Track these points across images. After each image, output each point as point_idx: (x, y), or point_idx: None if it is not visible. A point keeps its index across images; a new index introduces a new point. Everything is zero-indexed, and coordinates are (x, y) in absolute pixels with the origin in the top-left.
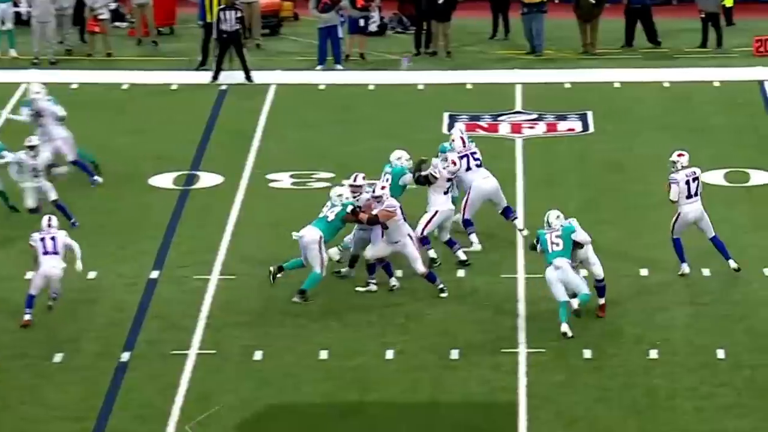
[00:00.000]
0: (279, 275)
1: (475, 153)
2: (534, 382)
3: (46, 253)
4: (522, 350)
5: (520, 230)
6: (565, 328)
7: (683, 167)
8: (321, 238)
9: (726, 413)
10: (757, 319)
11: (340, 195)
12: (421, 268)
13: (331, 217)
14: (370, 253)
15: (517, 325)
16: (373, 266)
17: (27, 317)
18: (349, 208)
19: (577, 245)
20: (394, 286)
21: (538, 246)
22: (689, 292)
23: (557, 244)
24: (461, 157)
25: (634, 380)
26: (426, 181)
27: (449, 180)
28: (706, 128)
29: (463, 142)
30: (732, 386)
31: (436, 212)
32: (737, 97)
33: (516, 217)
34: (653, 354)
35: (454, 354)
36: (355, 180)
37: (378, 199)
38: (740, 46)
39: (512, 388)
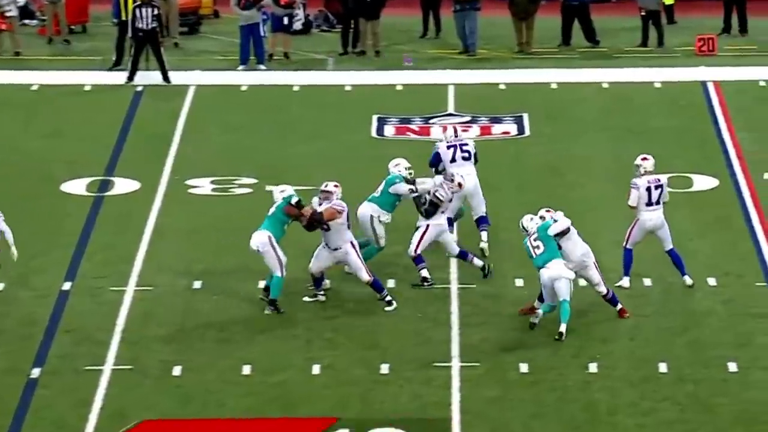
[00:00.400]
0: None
1: (465, 145)
2: (467, 397)
3: None
4: (455, 364)
5: (483, 242)
6: (563, 328)
7: (647, 172)
8: (270, 237)
9: (668, 429)
10: (700, 331)
11: (283, 191)
12: (365, 276)
13: (273, 210)
14: (315, 266)
15: (450, 337)
16: (319, 279)
17: None
18: (294, 200)
19: (559, 236)
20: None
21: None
22: (630, 303)
23: (538, 247)
24: (449, 147)
25: (573, 395)
26: (435, 209)
27: (450, 200)
28: (647, 131)
29: (455, 132)
30: (674, 401)
31: (428, 227)
32: (679, 99)
33: (485, 229)
34: (593, 368)
35: (384, 368)
36: (326, 186)
37: (327, 194)
38: (682, 45)
39: (445, 404)
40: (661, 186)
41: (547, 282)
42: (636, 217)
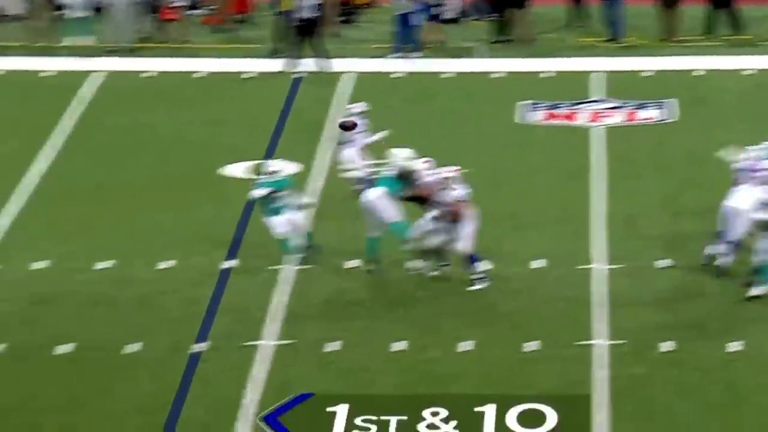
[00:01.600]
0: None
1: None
2: (612, 376)
3: None
4: (600, 342)
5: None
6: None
7: None
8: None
9: None
10: None
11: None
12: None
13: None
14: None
15: (593, 317)
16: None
17: None
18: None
19: None
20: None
21: None
22: None
23: None
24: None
25: (715, 376)
26: None
27: None
28: None
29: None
30: None
31: None
32: None
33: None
34: (734, 347)
35: (529, 347)
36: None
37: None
38: None
39: (589, 381)
40: None
41: None
42: None
